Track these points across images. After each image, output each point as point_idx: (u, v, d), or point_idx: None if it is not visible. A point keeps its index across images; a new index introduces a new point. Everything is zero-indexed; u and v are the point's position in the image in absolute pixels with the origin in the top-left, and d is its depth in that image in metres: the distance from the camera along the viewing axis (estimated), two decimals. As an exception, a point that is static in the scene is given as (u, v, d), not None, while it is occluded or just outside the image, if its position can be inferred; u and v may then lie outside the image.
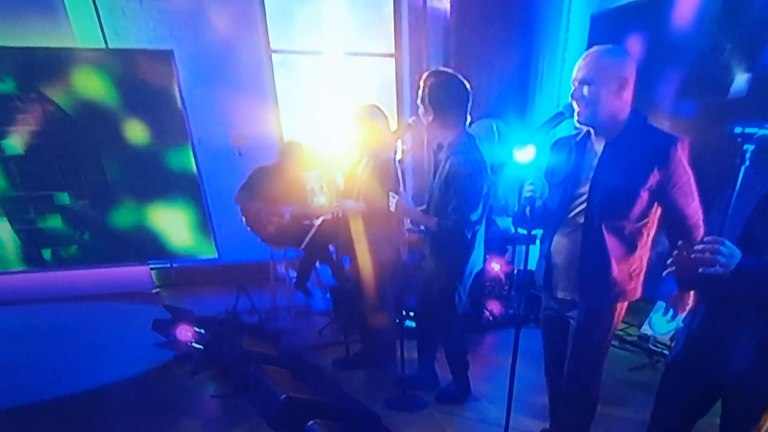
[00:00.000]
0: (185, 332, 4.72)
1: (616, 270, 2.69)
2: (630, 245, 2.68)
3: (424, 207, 3.82)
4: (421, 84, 3.58)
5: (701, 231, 2.58)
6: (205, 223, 6.64)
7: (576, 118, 2.58)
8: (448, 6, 6.80)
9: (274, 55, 6.81)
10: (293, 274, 6.05)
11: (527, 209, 2.77)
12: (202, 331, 4.76)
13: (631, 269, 2.73)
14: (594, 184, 2.62)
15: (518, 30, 6.59)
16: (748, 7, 4.30)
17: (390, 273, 4.41)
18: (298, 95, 7.07)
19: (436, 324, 4.12)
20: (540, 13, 6.50)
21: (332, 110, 6.58)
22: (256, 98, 6.67)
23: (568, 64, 6.06)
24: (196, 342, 4.72)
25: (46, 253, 6.41)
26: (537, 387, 3.71)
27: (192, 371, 4.58)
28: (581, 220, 2.69)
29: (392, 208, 3.71)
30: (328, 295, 6.03)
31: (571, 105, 2.58)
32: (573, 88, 2.56)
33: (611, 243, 2.64)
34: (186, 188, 6.48)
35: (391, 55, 7.23)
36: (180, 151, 6.33)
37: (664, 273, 2.07)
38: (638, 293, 2.82)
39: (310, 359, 4.68)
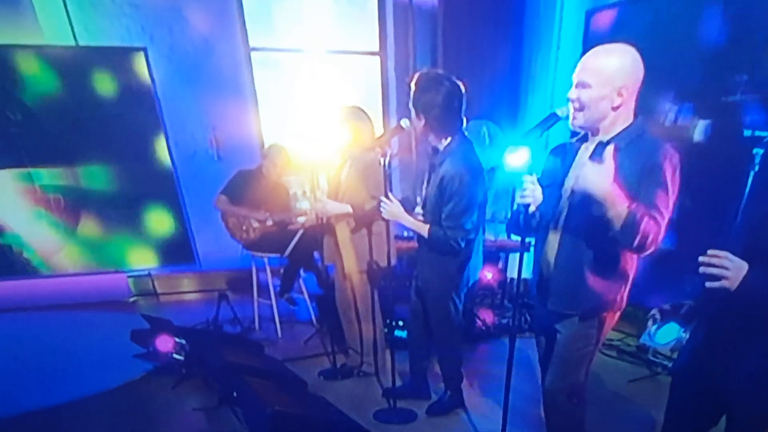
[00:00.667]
0: (165, 343, 4.75)
1: (593, 279, 2.70)
2: (611, 254, 2.65)
3: (422, 212, 3.81)
4: (412, 86, 3.55)
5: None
6: (184, 230, 6.67)
7: (570, 119, 2.59)
8: (435, 1, 6.79)
9: (253, 53, 6.80)
10: (277, 282, 6.08)
11: (521, 216, 2.75)
12: (183, 341, 4.78)
13: (612, 279, 2.72)
14: (576, 188, 2.61)
15: (509, 27, 6.60)
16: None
17: (377, 281, 4.47)
18: (279, 95, 7.06)
19: (431, 335, 4.15)
20: (532, 9, 6.55)
21: (315, 111, 6.61)
22: (234, 99, 6.68)
23: (561, 64, 6.14)
24: (177, 353, 4.76)
25: (18, 260, 6.41)
26: (531, 398, 3.79)
27: (173, 383, 4.63)
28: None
29: (384, 215, 3.74)
30: (313, 305, 6.09)
31: (566, 106, 2.59)
32: (574, 85, 2.56)
33: (590, 251, 2.64)
34: (162, 193, 6.50)
35: (375, 54, 7.25)
36: (155, 155, 6.34)
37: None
38: (623, 305, 2.82)
39: (295, 370, 4.68)
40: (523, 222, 2.77)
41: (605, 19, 5.45)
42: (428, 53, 6.98)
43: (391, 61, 7.17)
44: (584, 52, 2.56)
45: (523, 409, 3.94)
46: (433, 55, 6.92)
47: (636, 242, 2.38)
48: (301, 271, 6.19)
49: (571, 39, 6.02)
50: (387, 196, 3.74)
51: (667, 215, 2.45)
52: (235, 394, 4.13)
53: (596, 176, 2.36)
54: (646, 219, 2.35)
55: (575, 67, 2.55)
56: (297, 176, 6.32)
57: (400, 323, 5.09)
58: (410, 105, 3.60)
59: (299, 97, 7.04)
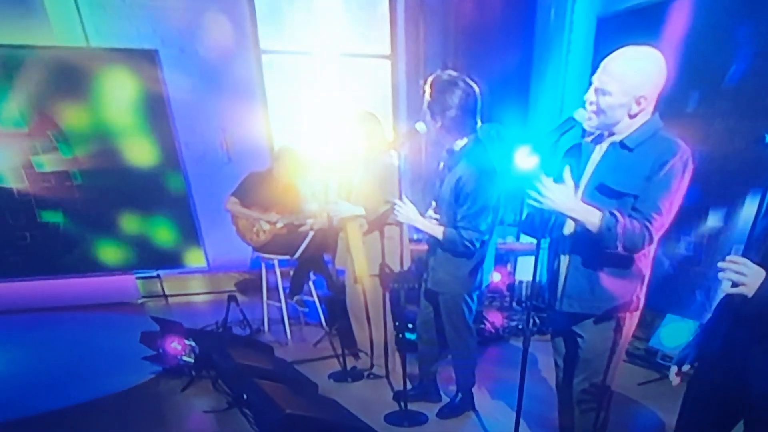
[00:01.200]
0: (174, 345, 4.76)
1: (607, 280, 2.69)
2: (623, 254, 2.57)
3: (437, 216, 3.76)
4: (427, 89, 3.54)
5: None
6: (194, 231, 6.68)
7: (586, 121, 2.57)
8: (446, 5, 6.82)
9: (263, 56, 6.84)
10: (286, 284, 6.08)
11: (535, 217, 2.76)
12: (193, 343, 4.78)
13: (627, 279, 2.71)
14: (588, 186, 2.63)
15: (520, 31, 6.64)
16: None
17: (389, 285, 4.47)
18: (289, 98, 7.09)
19: (441, 338, 4.15)
20: (543, 14, 6.55)
21: (325, 115, 6.63)
22: (245, 101, 6.69)
23: (572, 68, 6.14)
24: (186, 355, 4.76)
25: (27, 261, 6.42)
26: (540, 400, 3.79)
27: (183, 385, 4.63)
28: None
29: (399, 218, 3.71)
30: (323, 307, 6.10)
31: (583, 108, 2.56)
32: (592, 87, 2.54)
33: (603, 251, 2.56)
34: (172, 195, 6.51)
35: (386, 57, 7.27)
36: (165, 156, 6.37)
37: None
38: (639, 305, 2.81)
39: (305, 373, 4.70)
40: (538, 223, 2.78)
41: (616, 25, 5.42)
42: (439, 57, 6.99)
43: (402, 64, 7.17)
44: (595, 57, 2.52)
45: (532, 411, 3.89)
46: (444, 58, 6.93)
47: (620, 245, 2.44)
48: (311, 274, 6.21)
49: (582, 44, 5.99)
50: (400, 198, 3.73)
51: (667, 214, 2.48)
52: (245, 396, 4.13)
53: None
54: (624, 222, 2.41)
55: (585, 72, 2.52)
56: (308, 179, 6.31)
57: (410, 326, 5.08)
58: (425, 107, 3.58)
59: (309, 100, 7.06)
